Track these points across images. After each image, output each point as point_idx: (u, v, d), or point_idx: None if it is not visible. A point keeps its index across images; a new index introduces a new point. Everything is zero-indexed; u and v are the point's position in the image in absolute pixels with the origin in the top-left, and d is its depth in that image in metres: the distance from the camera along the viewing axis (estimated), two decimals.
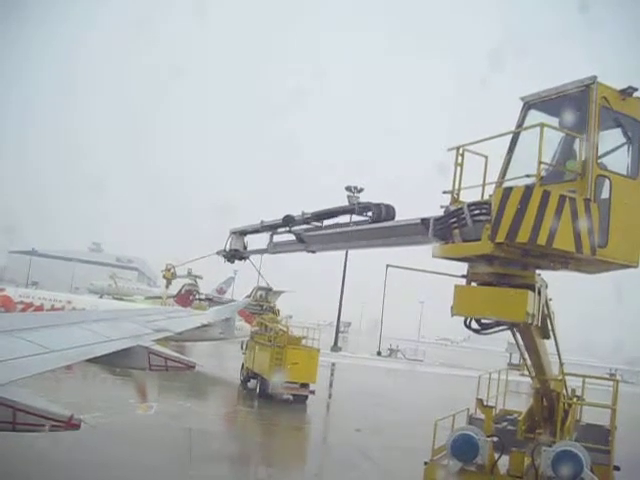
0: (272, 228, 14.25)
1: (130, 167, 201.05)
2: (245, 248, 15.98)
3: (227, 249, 16.07)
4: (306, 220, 12.71)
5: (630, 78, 9.89)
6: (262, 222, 14.49)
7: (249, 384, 33.54)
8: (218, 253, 16.50)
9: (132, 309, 31.98)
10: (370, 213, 11.32)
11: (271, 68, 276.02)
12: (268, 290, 43.54)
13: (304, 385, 29.94)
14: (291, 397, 30.30)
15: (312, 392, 30.17)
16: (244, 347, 35.52)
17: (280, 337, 31.54)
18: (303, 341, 32.79)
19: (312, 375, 30.01)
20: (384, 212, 11.16)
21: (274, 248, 14.57)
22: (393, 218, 11.20)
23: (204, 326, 19.95)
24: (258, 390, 31.03)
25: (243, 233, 15.88)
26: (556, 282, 10.90)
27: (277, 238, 14.34)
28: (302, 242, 12.89)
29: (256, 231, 15.13)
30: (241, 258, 16.24)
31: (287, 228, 13.12)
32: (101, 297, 78.93)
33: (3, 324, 8.32)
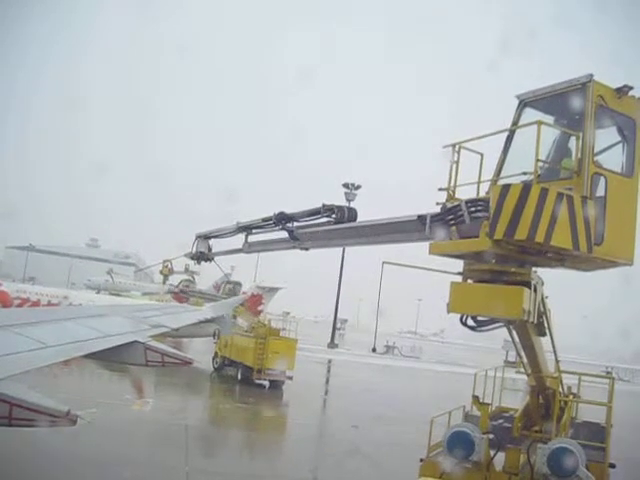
0: (247, 229, 14.42)
1: (128, 162, 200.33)
2: (210, 250, 16.41)
3: (193, 251, 16.53)
4: (295, 218, 12.84)
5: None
6: (238, 223, 14.60)
7: (223, 371, 36.27)
8: (186, 255, 17.03)
9: (129, 305, 32.05)
10: (334, 215, 11.78)
11: (273, 61, 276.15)
12: (236, 284, 44.73)
13: (283, 372, 33.21)
14: (267, 383, 33.33)
15: (290, 378, 33.28)
16: (216, 336, 37.20)
17: (261, 328, 34.82)
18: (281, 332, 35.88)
19: (291, 362, 33.22)
20: (347, 214, 11.72)
21: (250, 247, 14.69)
22: (355, 220, 11.72)
23: (201, 322, 19.95)
24: (240, 377, 33.80)
25: (207, 237, 16.28)
26: (554, 280, 10.92)
27: (264, 237, 14.35)
28: (295, 239, 12.88)
29: (229, 233, 15.23)
30: (207, 259, 16.71)
31: (280, 226, 13.13)
32: (98, 293, 79.08)
33: (0, 319, 8.31)
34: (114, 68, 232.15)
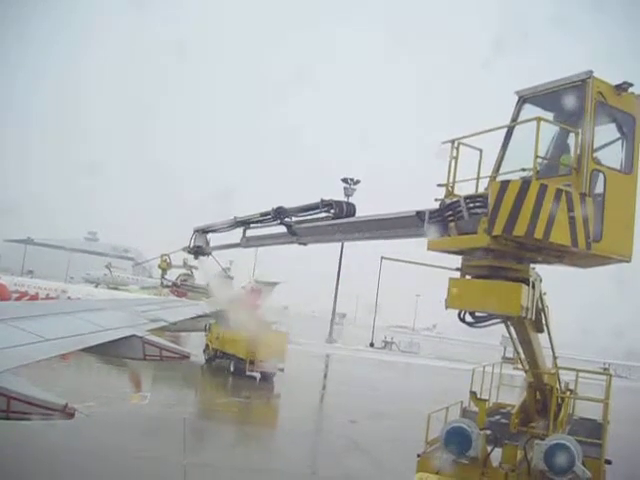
0: (245, 223, 14.38)
1: (127, 156, 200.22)
2: (207, 244, 16.39)
3: (191, 246, 16.49)
4: (293, 213, 12.82)
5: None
6: (235, 218, 14.57)
7: (214, 363, 37.29)
8: (184, 250, 17.01)
9: (127, 299, 32.11)
10: (332, 210, 11.73)
11: (272, 59, 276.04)
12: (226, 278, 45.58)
13: (274, 363, 34.30)
14: (259, 375, 33.83)
15: (281, 370, 34.46)
16: (207, 329, 38.48)
17: (253, 322, 34.84)
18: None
19: (282, 354, 34.59)
20: (345, 209, 11.68)
21: (248, 242, 14.65)
22: (353, 215, 11.68)
23: (199, 316, 19.98)
24: (233, 369, 34.81)
25: (204, 231, 16.26)
26: (553, 277, 10.92)
27: (262, 231, 14.31)
28: (293, 234, 12.87)
29: (227, 227, 15.17)
30: (205, 254, 16.70)
31: (278, 221, 13.11)
32: (96, 286, 79.02)
33: None
34: (113, 68, 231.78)
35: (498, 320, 10.24)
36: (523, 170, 9.17)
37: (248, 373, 33.53)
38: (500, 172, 9.97)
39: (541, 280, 10.50)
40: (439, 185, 10.04)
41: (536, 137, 8.85)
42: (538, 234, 8.47)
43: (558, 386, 12.61)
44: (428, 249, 10.16)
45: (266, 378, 33.94)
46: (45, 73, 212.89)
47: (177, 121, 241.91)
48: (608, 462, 11.79)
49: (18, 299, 39.30)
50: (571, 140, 9.76)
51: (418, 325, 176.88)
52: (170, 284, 65.08)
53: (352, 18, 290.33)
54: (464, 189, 9.92)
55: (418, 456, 12.00)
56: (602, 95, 9.36)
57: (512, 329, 11.04)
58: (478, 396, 12.83)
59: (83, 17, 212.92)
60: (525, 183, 8.67)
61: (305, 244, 13.20)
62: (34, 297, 40.69)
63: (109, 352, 9.50)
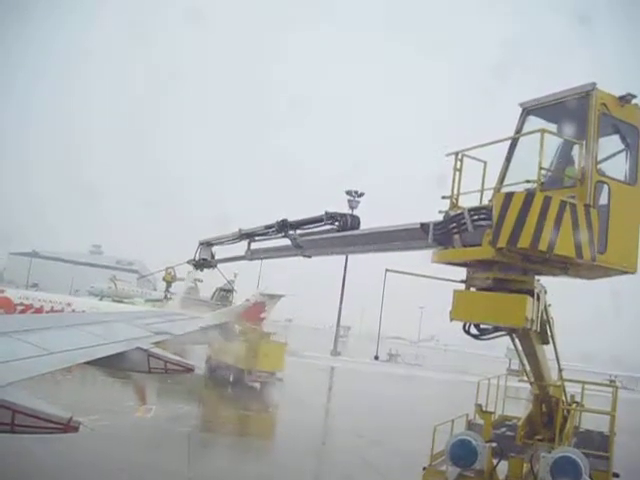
0: (250, 236, 14.41)
1: (130, 170, 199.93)
2: (213, 257, 16.40)
3: (196, 258, 16.51)
4: (297, 226, 12.83)
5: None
6: (240, 230, 14.59)
7: (215, 374, 37.73)
8: (189, 262, 17.01)
9: (132, 312, 32.09)
10: (337, 223, 11.79)
11: (270, 71, 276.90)
12: (228, 291, 46.06)
13: (273, 373, 35.96)
14: (259, 385, 35.17)
15: (280, 379, 36.01)
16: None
17: (252, 333, 37.68)
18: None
19: (280, 365, 36.17)
20: (349, 222, 11.73)
21: (252, 255, 14.67)
22: (358, 227, 11.70)
23: (203, 329, 19.97)
24: (232, 379, 35.55)
25: (209, 244, 16.28)
26: (556, 289, 10.89)
27: (267, 244, 14.33)
28: (298, 247, 12.88)
29: (232, 240, 15.18)
30: (210, 266, 16.71)
31: (282, 233, 13.12)
32: (101, 299, 78.97)
33: (3, 326, 8.32)
34: (115, 82, 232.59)
35: (503, 332, 10.23)
36: (527, 182, 9.17)
37: (248, 383, 34.41)
38: (504, 184, 9.98)
39: (546, 292, 10.49)
40: (443, 197, 10.04)
41: (540, 149, 8.86)
42: (542, 246, 8.46)
43: (564, 398, 12.55)
44: (432, 261, 10.17)
45: (266, 388, 34.76)
46: (45, 73, 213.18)
47: (176, 121, 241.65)
48: (616, 475, 11.72)
49: (23, 312, 39.27)
50: (575, 152, 9.77)
51: (416, 337, 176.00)
52: (169, 296, 65.24)
53: (351, 22, 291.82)
54: (471, 202, 9.93)
55: (424, 469, 11.95)
56: (606, 106, 9.38)
57: (517, 341, 11.01)
58: (484, 408, 12.79)
59: (83, 17, 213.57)
60: (529, 195, 8.67)
61: (310, 257, 13.20)
62: (39, 310, 40.63)
63: (114, 365, 9.49)
